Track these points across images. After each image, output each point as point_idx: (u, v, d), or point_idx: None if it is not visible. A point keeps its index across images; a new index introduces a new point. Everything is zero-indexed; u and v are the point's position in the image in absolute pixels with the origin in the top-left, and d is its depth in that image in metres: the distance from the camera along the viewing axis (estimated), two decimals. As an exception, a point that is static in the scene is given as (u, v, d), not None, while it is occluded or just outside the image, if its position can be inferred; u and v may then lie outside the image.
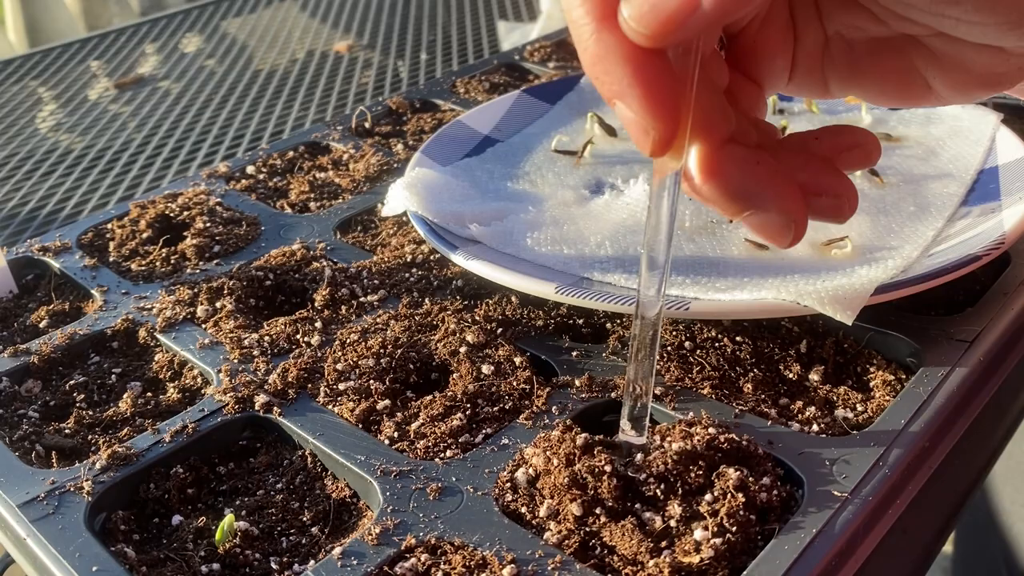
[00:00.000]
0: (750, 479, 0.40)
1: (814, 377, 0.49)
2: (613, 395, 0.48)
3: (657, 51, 0.28)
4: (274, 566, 0.41)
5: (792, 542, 0.37)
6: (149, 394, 0.53)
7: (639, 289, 0.37)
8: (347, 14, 1.49)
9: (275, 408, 0.49)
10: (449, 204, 0.61)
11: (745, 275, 0.52)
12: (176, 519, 0.44)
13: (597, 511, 0.40)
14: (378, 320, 0.55)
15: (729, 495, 0.41)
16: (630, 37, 0.28)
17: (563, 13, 0.30)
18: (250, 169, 0.76)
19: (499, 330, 0.53)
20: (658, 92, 0.29)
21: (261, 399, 0.49)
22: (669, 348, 0.51)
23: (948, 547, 1.12)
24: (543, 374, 0.50)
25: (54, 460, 0.47)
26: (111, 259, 0.64)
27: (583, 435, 0.42)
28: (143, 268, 0.63)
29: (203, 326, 0.56)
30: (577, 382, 0.49)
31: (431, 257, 0.62)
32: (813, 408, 0.46)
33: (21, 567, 0.43)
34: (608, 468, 0.40)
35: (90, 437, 0.49)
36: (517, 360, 0.51)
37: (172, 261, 0.63)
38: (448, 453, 0.45)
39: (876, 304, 0.47)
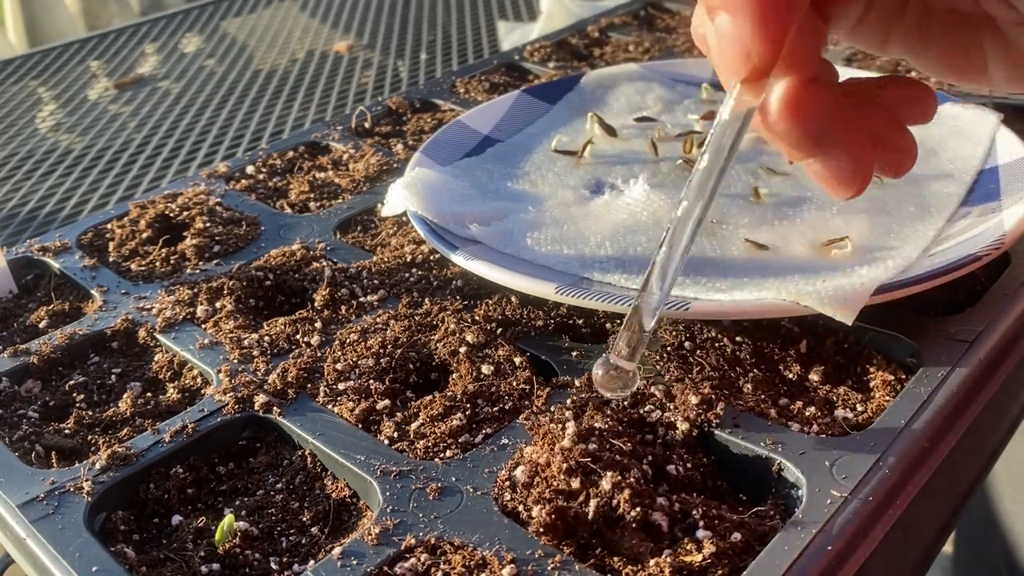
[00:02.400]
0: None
1: (814, 377, 0.49)
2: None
3: None
4: (274, 566, 0.41)
5: (792, 542, 0.37)
6: (149, 394, 0.53)
7: (658, 258, 0.36)
8: (347, 14, 1.49)
9: (275, 408, 0.49)
10: (449, 204, 0.61)
11: (745, 275, 0.52)
12: (176, 519, 0.44)
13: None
14: (378, 320, 0.55)
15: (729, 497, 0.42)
16: None
17: None
18: (250, 169, 0.76)
19: (499, 330, 0.53)
20: (772, 12, 0.27)
21: (261, 399, 0.49)
22: (669, 348, 0.51)
23: (948, 547, 1.12)
24: (543, 374, 0.50)
25: (54, 460, 0.47)
26: (111, 259, 0.64)
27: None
28: (143, 268, 0.63)
29: (203, 326, 0.56)
30: (577, 382, 0.49)
31: (431, 257, 0.62)
32: (813, 408, 0.46)
33: (21, 567, 0.43)
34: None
35: (90, 437, 0.49)
36: (517, 360, 0.51)
37: (172, 261, 0.63)
38: (448, 453, 0.45)
39: (876, 304, 0.47)
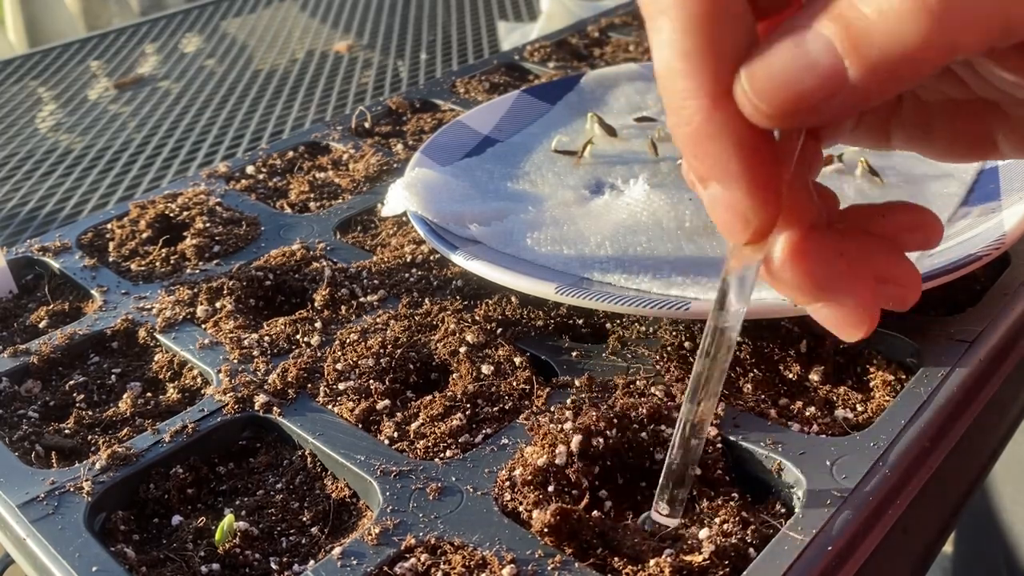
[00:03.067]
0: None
1: (814, 377, 0.49)
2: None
3: (766, 130, 0.26)
4: (274, 566, 0.41)
5: (792, 542, 0.37)
6: (149, 394, 0.53)
7: (689, 408, 0.35)
8: (347, 14, 1.49)
9: (275, 408, 0.49)
10: (449, 204, 0.61)
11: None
12: (176, 519, 0.44)
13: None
14: (378, 320, 0.55)
15: (731, 496, 0.42)
16: (746, 113, 0.25)
17: (657, 83, 0.26)
18: (250, 169, 0.76)
19: (499, 330, 0.53)
20: (765, 178, 0.26)
21: (261, 399, 0.49)
22: (669, 348, 0.51)
23: (948, 547, 1.12)
24: (543, 374, 0.50)
25: (54, 460, 0.47)
26: (111, 259, 0.64)
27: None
28: (143, 268, 0.63)
29: (203, 326, 0.56)
30: (577, 382, 0.49)
31: (431, 257, 0.62)
32: (813, 408, 0.46)
33: (21, 567, 0.43)
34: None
35: (90, 437, 0.49)
36: (517, 360, 0.51)
37: (172, 261, 0.63)
38: (448, 453, 0.45)
39: (876, 304, 0.47)
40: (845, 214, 0.33)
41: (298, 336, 0.54)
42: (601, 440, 0.43)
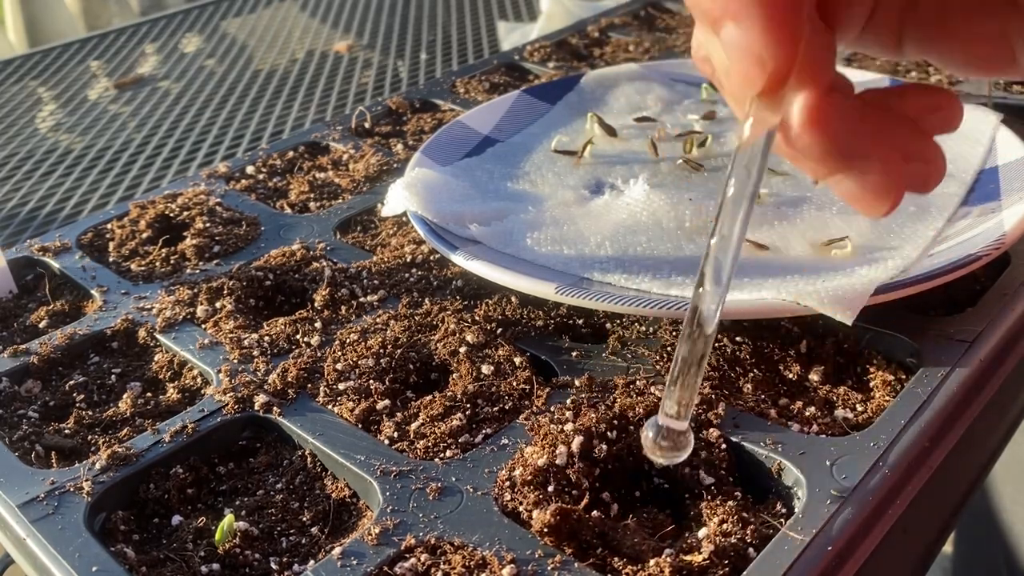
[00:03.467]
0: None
1: (814, 377, 0.49)
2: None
3: None
4: (274, 566, 0.41)
5: (792, 542, 0.37)
6: (149, 394, 0.53)
7: (699, 294, 0.33)
8: (347, 14, 1.49)
9: (275, 408, 0.49)
10: (449, 204, 0.61)
11: (745, 275, 0.52)
12: (176, 519, 0.44)
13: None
14: (378, 320, 0.55)
15: (730, 496, 0.42)
16: None
17: None
18: (250, 169, 0.76)
19: (499, 330, 0.53)
20: (781, 15, 0.25)
21: (261, 399, 0.49)
22: (669, 348, 0.51)
23: (948, 547, 1.12)
24: (543, 374, 0.50)
25: (54, 460, 0.47)
26: (111, 259, 0.64)
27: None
28: (143, 268, 0.63)
29: (203, 326, 0.56)
30: (577, 382, 0.49)
31: (431, 257, 0.62)
32: (813, 408, 0.46)
33: (21, 567, 0.43)
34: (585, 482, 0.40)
35: (90, 437, 0.49)
36: (517, 360, 0.51)
37: (172, 261, 0.63)
38: (448, 453, 0.45)
39: (876, 304, 0.47)
40: (863, 97, 0.31)
41: (298, 336, 0.54)
42: (604, 446, 0.43)
